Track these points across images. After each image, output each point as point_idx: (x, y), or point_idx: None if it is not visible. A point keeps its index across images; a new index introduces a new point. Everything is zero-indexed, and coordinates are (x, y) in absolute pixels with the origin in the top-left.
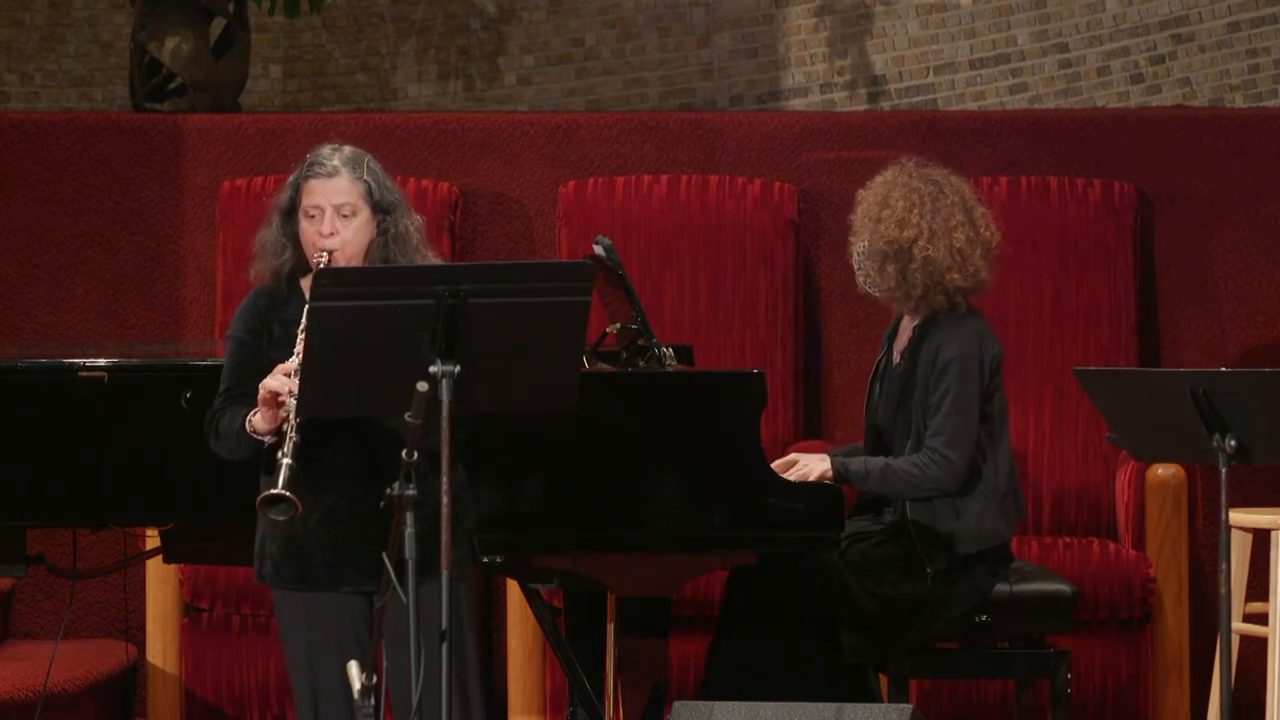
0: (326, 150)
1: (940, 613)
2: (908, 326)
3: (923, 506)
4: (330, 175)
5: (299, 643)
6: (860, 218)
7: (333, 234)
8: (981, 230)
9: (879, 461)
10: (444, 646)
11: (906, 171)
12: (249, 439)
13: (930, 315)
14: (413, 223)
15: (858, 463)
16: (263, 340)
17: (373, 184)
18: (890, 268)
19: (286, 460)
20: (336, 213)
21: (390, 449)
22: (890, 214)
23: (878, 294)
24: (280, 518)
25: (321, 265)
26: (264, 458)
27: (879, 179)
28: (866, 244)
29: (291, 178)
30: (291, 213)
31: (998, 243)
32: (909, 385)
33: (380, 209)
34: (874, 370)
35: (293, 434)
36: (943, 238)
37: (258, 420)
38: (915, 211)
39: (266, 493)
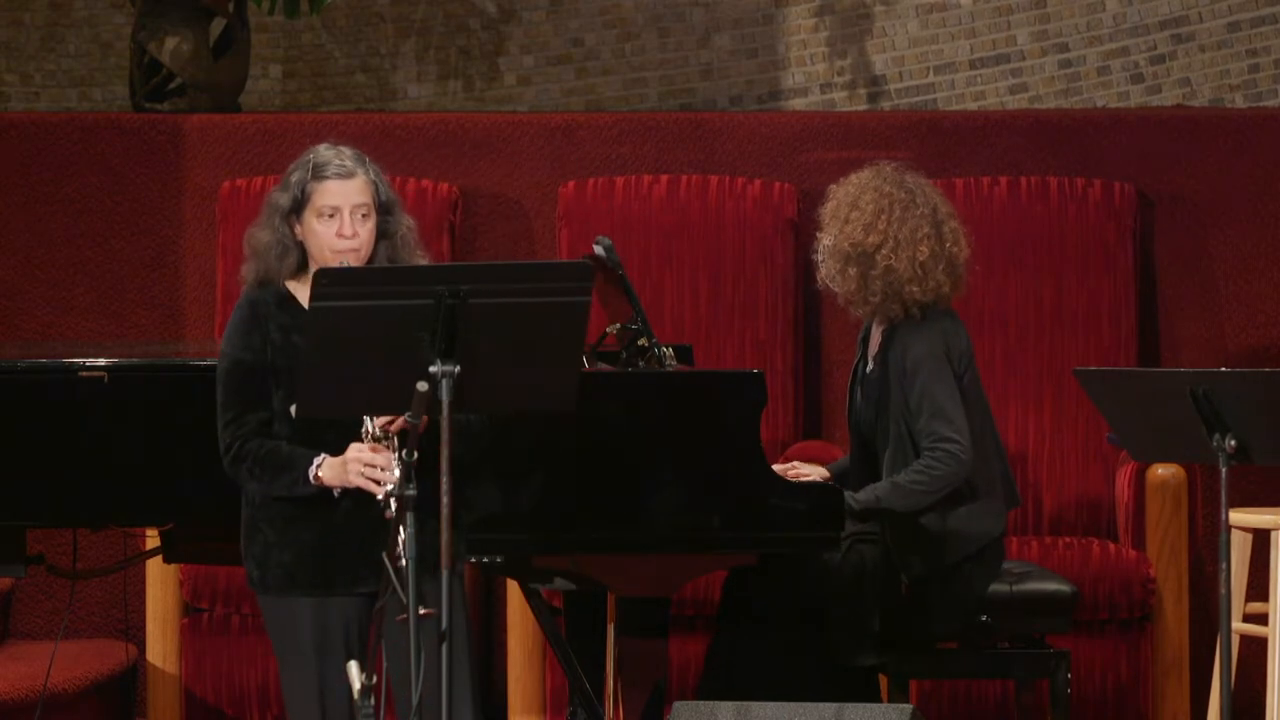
0: (329, 150)
1: (936, 617)
2: (877, 331)
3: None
4: (349, 176)
5: (307, 646)
6: (829, 213)
7: (354, 235)
8: (948, 245)
9: (884, 485)
10: (443, 646)
11: (882, 175)
12: (309, 488)
13: (896, 320)
14: (408, 224)
15: (865, 494)
16: (265, 354)
17: (379, 184)
18: (852, 270)
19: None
20: (355, 213)
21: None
22: (859, 215)
23: (836, 292)
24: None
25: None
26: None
27: (854, 177)
28: (832, 241)
29: (294, 178)
30: (293, 214)
31: (967, 257)
32: (884, 390)
33: (384, 209)
34: (852, 375)
35: (408, 526)
36: (907, 249)
37: (327, 475)
38: (884, 218)
39: (428, 613)
